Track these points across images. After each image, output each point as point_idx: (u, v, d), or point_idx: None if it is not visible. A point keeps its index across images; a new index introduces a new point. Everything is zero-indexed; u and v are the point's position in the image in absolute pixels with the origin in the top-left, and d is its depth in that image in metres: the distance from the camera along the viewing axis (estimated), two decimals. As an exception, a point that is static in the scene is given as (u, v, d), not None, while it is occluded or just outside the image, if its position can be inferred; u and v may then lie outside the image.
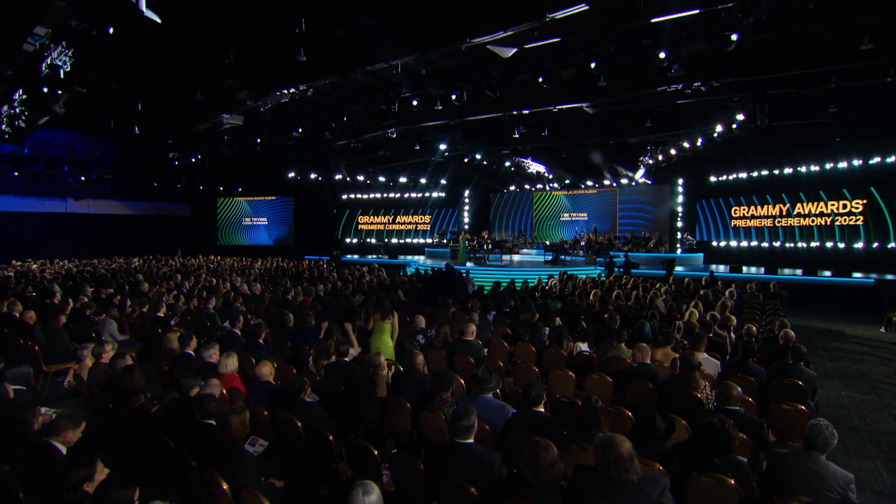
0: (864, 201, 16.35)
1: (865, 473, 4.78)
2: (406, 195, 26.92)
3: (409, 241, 27.14)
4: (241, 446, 3.59)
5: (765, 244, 18.93)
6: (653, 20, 8.41)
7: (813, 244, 17.64)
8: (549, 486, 2.84)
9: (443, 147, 17.12)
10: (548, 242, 22.21)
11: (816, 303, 13.87)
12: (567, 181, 23.54)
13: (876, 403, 6.62)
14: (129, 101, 15.24)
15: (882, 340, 10.26)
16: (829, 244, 17.23)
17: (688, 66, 11.71)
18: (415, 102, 11.91)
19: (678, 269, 17.77)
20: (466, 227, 25.90)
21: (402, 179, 24.90)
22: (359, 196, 27.94)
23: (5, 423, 3.68)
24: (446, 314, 9.07)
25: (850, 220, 16.73)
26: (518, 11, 9.04)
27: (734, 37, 7.91)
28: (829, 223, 17.23)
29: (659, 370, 5.23)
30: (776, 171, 18.22)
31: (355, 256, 24.99)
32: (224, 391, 5.28)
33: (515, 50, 11.26)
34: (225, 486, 3.15)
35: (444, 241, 23.58)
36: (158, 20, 7.54)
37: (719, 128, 14.49)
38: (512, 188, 25.61)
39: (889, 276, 14.26)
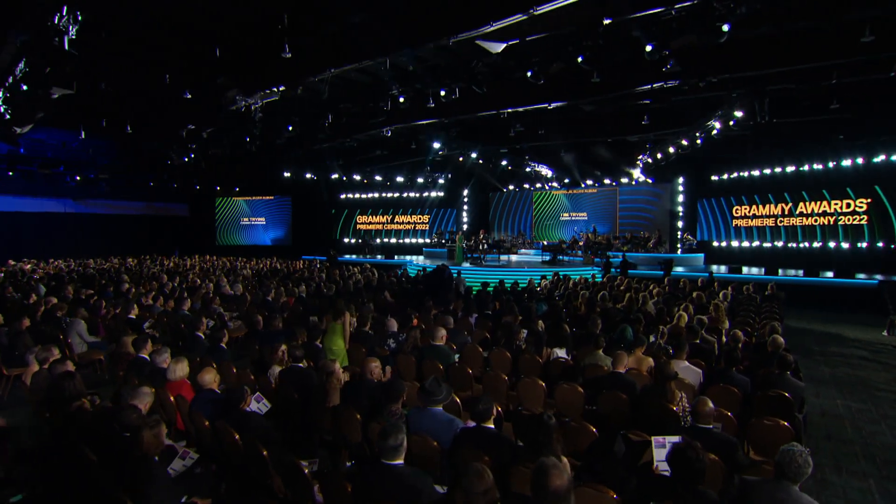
0: (869, 200, 15.79)
1: (856, 493, 4.37)
2: (405, 195, 26.59)
3: (407, 241, 26.81)
4: (155, 461, 3.25)
5: (766, 244, 18.39)
6: (639, 14, 8.05)
7: (815, 244, 17.09)
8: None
9: (437, 146, 16.74)
10: (545, 242, 21.77)
11: (817, 305, 13.38)
12: (566, 180, 23.10)
13: (873, 414, 6.18)
14: (120, 101, 15.02)
15: (884, 344, 9.77)
16: (831, 244, 16.67)
17: (684, 62, 11.31)
18: (401, 100, 11.52)
19: (678, 269, 17.31)
20: (465, 226, 25.53)
21: (400, 179, 24.56)
22: (357, 196, 27.64)
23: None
24: (427, 316, 8.71)
25: (853, 220, 16.16)
26: (505, 5, 8.71)
27: (725, 27, 7.47)
28: (832, 223, 16.67)
29: (634, 379, 4.84)
30: (778, 170, 17.69)
31: (353, 256, 24.69)
32: (172, 398, 4.99)
33: (505, 45, 10.96)
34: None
35: (443, 241, 23.22)
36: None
37: (717, 125, 14.02)
38: (511, 187, 25.21)
39: (894, 277, 13.71)
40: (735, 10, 7.60)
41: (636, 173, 19.78)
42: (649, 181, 20.96)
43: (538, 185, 24.18)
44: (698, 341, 6.18)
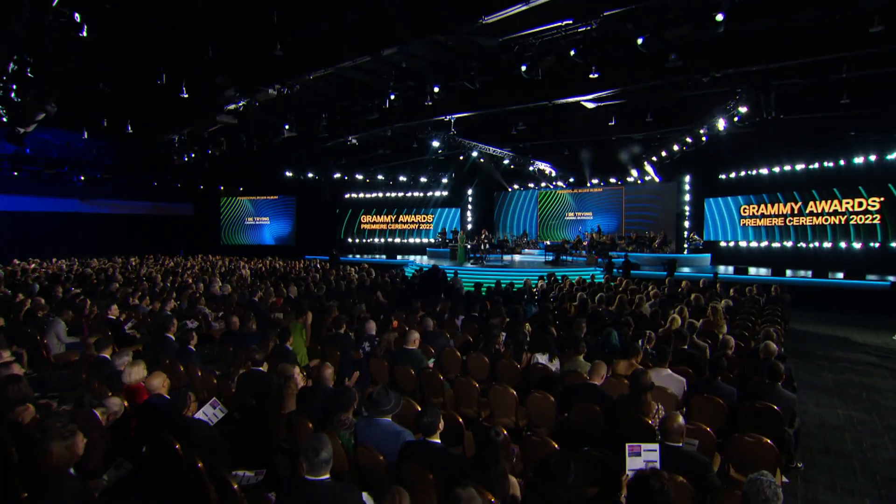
0: (882, 199, 15.13)
1: (850, 515, 3.97)
2: (409, 194, 26.32)
3: (412, 240, 26.54)
4: (70, 474, 2.98)
5: (776, 244, 17.78)
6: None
7: (826, 245, 16.45)
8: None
9: (436, 144, 16.43)
10: (548, 242, 21.34)
11: (826, 307, 12.83)
12: (571, 179, 22.66)
13: (876, 425, 5.74)
14: (119, 100, 14.97)
15: (893, 350, 9.24)
16: (843, 245, 16.04)
17: (685, 57, 10.90)
18: (392, 97, 11.23)
19: (684, 270, 16.82)
20: (470, 226, 25.18)
21: (403, 178, 24.32)
22: (361, 195, 27.43)
23: None
24: (414, 318, 8.41)
25: (865, 219, 15.51)
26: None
27: (720, 17, 7.07)
28: (843, 222, 16.03)
29: (610, 390, 4.49)
30: (787, 168, 17.07)
31: (357, 256, 24.50)
32: (125, 403, 4.75)
33: (501, 40, 10.64)
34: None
35: (446, 241, 22.91)
36: None
37: (722, 122, 13.52)
38: (516, 187, 24.81)
39: (907, 279, 13.12)
40: (729, -2, 7.19)
41: (650, 171, 19.23)
42: (657, 179, 20.41)
43: (543, 185, 23.77)
44: (687, 347, 5.79)
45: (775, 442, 4.26)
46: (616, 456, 3.28)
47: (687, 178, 20.29)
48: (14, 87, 11.53)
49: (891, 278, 13.49)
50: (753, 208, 18.39)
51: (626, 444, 3.07)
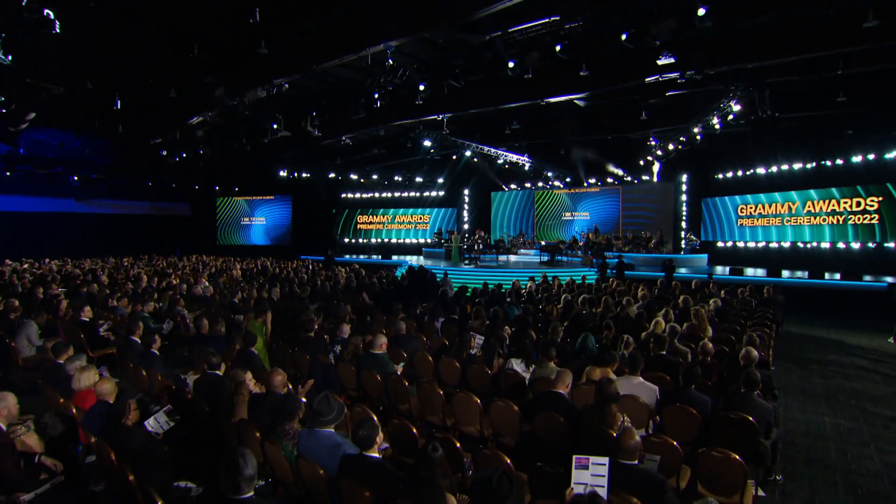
0: (880, 198, 14.80)
1: (826, 534, 3.72)
2: (405, 194, 26.11)
3: (408, 240, 26.32)
4: None
5: (773, 244, 17.45)
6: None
7: (824, 245, 16.13)
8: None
9: (427, 144, 16.20)
10: (543, 243, 21.07)
11: (821, 309, 12.51)
12: (568, 179, 22.37)
13: (864, 434, 5.48)
14: (111, 100, 14.82)
15: (888, 353, 8.94)
16: (841, 245, 15.71)
17: (678, 54, 10.65)
18: (376, 95, 11.01)
19: (681, 270, 16.51)
20: (466, 226, 24.95)
21: (399, 178, 24.10)
22: (357, 195, 27.25)
23: None
24: (394, 320, 8.18)
25: (864, 219, 15.18)
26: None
27: (701, 10, 6.81)
28: (841, 222, 15.70)
29: (576, 399, 4.26)
30: (785, 167, 16.74)
31: (354, 256, 24.31)
32: (74, 410, 4.56)
33: (488, 38, 10.42)
34: None
35: (442, 240, 22.69)
36: None
37: (716, 120, 13.24)
38: (513, 186, 24.53)
39: (906, 280, 12.80)
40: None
41: (655, 169, 18.90)
42: (655, 180, 20.10)
43: (540, 184, 23.51)
44: (666, 352, 5.54)
45: (750, 455, 4.04)
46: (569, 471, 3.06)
47: (684, 178, 19.99)
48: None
49: (888, 279, 13.18)
50: (751, 208, 18.07)
51: (574, 457, 2.85)
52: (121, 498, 3.42)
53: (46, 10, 7.35)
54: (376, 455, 3.09)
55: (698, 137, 14.45)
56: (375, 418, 4.25)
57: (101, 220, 23.18)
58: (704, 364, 5.29)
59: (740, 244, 18.40)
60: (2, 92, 12.07)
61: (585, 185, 22.52)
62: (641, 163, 18.06)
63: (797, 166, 16.46)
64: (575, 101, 14.93)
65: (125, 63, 12.78)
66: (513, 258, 20.93)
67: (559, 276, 12.94)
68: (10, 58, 9.25)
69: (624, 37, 7.68)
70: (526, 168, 20.36)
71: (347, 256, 23.94)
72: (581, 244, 19.65)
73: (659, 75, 11.65)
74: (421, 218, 26.21)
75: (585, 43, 9.71)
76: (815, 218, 16.37)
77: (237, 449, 2.70)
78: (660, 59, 10.30)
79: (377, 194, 26.66)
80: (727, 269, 16.63)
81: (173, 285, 11.24)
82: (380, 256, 23.45)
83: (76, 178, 19.34)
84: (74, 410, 4.51)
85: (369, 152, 21.74)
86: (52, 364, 5.31)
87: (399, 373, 5.63)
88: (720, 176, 18.90)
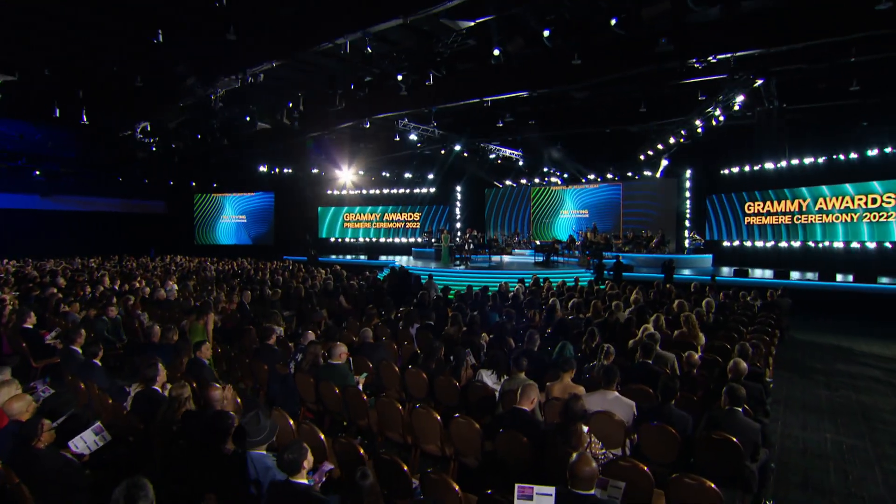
0: (896, 194, 14.63)
1: (818, 570, 3.51)
2: (394, 191, 25.89)
3: (397, 240, 26.10)
4: None
5: (783, 244, 17.26)
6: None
7: (837, 244, 15.94)
8: None
9: (413, 138, 15.99)
10: (538, 242, 20.84)
11: (832, 313, 12.31)
12: (566, 175, 22.18)
13: (868, 454, 5.26)
14: (72, 89, 14.56)
15: (900, 362, 8.74)
16: (854, 244, 15.52)
17: (678, 41, 10.47)
18: (351, 87, 10.81)
19: (684, 272, 16.30)
20: (459, 224, 24.73)
21: (387, 174, 23.88)
22: (344, 192, 27.01)
23: None
24: (369, 325, 7.97)
25: (879, 217, 14.99)
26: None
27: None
28: (854, 220, 15.51)
29: (543, 416, 4.05)
30: (795, 162, 16.55)
31: (339, 257, 24.09)
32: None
33: (472, 24, 10.20)
34: None
35: (433, 240, 22.46)
36: None
37: (719, 112, 13.04)
38: (508, 183, 24.32)
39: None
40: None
41: (663, 164, 18.71)
42: (658, 176, 19.90)
43: (536, 181, 23.30)
44: (650, 362, 5.33)
45: (735, 479, 3.84)
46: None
47: (687, 174, 19.80)
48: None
49: (904, 281, 12.99)
50: (758, 205, 17.87)
51: (516, 485, 2.66)
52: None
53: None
54: (303, 481, 2.88)
55: (699, 130, 14.25)
56: (323, 437, 4.07)
57: (68, 217, 22.90)
58: (691, 376, 5.09)
59: (747, 244, 18.20)
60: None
61: (584, 181, 22.33)
62: (642, 157, 17.86)
63: (808, 161, 16.27)
64: (572, 93, 14.74)
65: (82, 49, 12.51)
66: (506, 258, 20.73)
67: (551, 277, 12.73)
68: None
69: (613, 21, 7.44)
70: (520, 163, 20.16)
71: (333, 257, 23.73)
72: (578, 244, 19.45)
73: (658, 64, 11.48)
74: (411, 216, 25.98)
75: (575, 29, 9.48)
76: (827, 216, 16.18)
77: (134, 480, 2.49)
78: (658, 46, 10.13)
79: (364, 191, 26.43)
80: (732, 270, 16.44)
81: (135, 289, 10.99)
82: (366, 257, 23.23)
83: (38, 172, 19.06)
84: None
85: (355, 146, 21.54)
86: (-24, 377, 5.07)
87: (362, 384, 5.43)
88: (726, 172, 18.70)
